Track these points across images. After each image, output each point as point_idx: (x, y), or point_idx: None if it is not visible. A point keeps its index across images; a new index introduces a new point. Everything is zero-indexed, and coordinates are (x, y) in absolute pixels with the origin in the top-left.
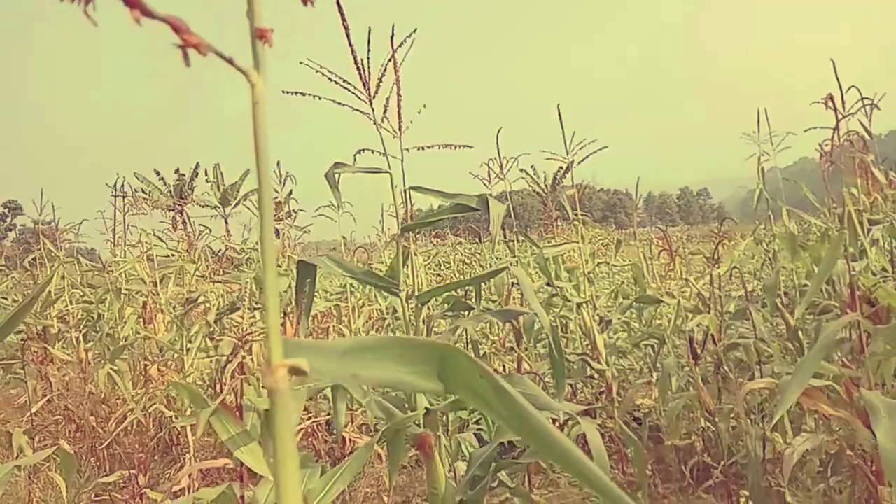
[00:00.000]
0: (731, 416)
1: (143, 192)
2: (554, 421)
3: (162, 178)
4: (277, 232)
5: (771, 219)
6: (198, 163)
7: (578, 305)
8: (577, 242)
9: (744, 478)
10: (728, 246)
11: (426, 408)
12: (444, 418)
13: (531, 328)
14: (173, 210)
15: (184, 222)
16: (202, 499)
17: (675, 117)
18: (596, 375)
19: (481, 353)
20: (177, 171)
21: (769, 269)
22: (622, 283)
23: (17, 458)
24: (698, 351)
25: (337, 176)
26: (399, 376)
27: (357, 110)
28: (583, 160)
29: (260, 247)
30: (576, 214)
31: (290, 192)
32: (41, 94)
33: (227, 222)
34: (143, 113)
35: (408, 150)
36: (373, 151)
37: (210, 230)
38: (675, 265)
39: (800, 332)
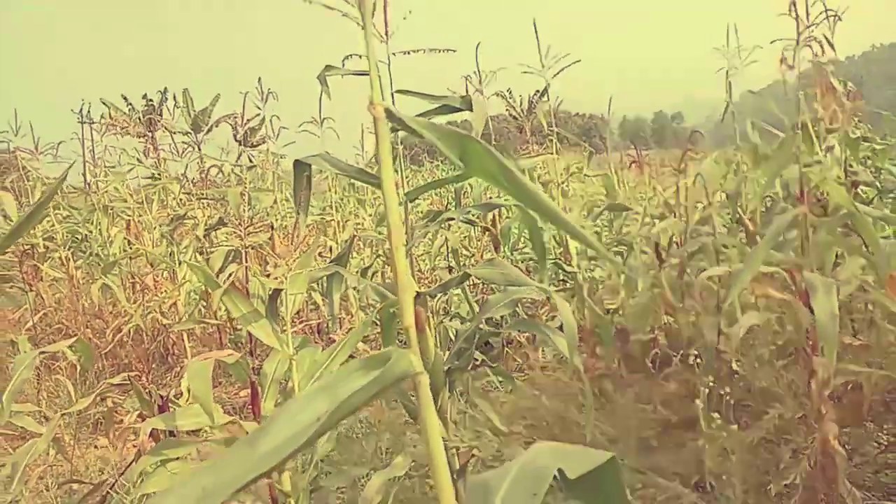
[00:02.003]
0: (692, 312)
1: (110, 117)
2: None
3: (130, 105)
4: (251, 158)
5: (736, 135)
6: (165, 87)
7: None
8: (552, 154)
9: (700, 366)
10: (696, 159)
11: (417, 291)
12: (433, 305)
13: (508, 233)
14: (144, 137)
15: (156, 148)
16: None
17: (650, 36)
18: (568, 280)
19: (462, 263)
20: (144, 96)
21: (733, 179)
22: (593, 197)
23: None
24: (663, 255)
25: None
26: (437, 143)
27: (345, 15)
28: (558, 73)
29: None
30: (551, 130)
31: (264, 119)
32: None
33: (199, 149)
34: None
35: (394, 54)
36: (360, 56)
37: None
38: (645, 175)
39: (758, 237)
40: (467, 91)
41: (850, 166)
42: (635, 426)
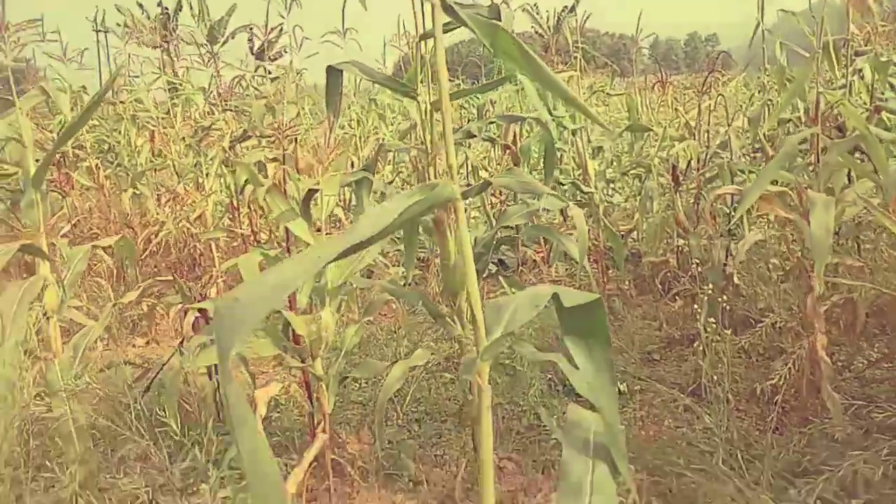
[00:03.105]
0: (703, 236)
1: (126, 25)
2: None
3: (146, 13)
4: (269, 70)
5: (764, 57)
6: None
7: (573, 132)
8: (576, 72)
9: (706, 282)
10: (724, 82)
11: None
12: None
13: (528, 152)
14: (160, 47)
15: (173, 58)
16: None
17: None
18: (585, 200)
19: (481, 177)
20: (159, 4)
21: (758, 103)
22: (616, 118)
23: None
24: (680, 178)
25: None
26: (475, 30)
27: None
28: None
29: None
30: (577, 48)
31: (282, 30)
32: None
33: (216, 61)
34: None
35: None
36: None
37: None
38: (668, 95)
39: None
40: (493, 1)
41: (882, 92)
42: (640, 340)
